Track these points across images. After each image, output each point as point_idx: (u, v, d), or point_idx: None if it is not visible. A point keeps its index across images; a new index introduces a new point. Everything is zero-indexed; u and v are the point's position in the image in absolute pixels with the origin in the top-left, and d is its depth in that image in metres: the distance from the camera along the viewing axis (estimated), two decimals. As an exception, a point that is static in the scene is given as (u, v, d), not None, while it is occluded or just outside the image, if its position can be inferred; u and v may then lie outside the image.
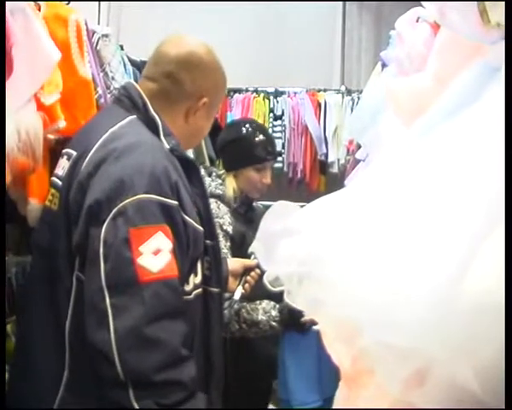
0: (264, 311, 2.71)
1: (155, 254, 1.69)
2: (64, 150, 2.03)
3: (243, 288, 2.50)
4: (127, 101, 1.98)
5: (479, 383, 0.82)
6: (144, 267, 1.67)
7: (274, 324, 2.69)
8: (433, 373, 0.85)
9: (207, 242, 1.98)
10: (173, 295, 1.71)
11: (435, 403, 0.86)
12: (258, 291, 2.55)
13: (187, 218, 1.84)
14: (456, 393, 0.84)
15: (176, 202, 1.79)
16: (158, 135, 1.92)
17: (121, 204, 1.70)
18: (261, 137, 2.97)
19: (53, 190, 1.96)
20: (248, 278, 2.50)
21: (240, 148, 2.95)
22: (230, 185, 2.92)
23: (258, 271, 2.48)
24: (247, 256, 2.49)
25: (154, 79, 2.00)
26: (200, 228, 1.91)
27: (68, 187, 1.85)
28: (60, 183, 1.92)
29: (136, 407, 1.63)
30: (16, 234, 3.14)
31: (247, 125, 3.04)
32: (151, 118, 1.94)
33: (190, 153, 3.40)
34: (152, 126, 1.93)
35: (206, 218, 1.99)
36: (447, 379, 0.84)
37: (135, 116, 1.94)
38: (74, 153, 1.91)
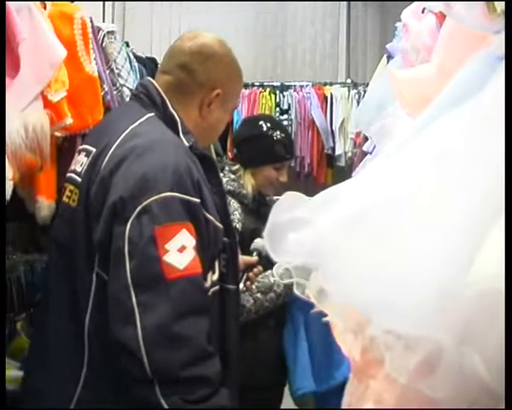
0: (274, 274, 2.73)
1: (180, 251, 1.70)
2: (81, 147, 2.03)
3: (245, 285, 2.49)
4: (145, 98, 1.99)
5: (486, 370, 0.82)
6: (170, 265, 1.67)
7: (286, 281, 2.70)
8: (441, 361, 0.85)
9: (224, 239, 1.99)
10: (198, 292, 1.73)
11: (444, 391, 0.87)
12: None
13: (208, 215, 1.85)
14: (464, 380, 0.85)
15: (198, 200, 1.80)
16: (177, 133, 1.93)
17: (146, 202, 1.71)
18: (281, 134, 2.97)
19: (71, 187, 1.95)
20: (250, 274, 2.49)
21: (260, 145, 2.93)
22: (249, 182, 2.91)
23: (260, 267, 2.48)
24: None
25: (169, 71, 2.02)
26: (220, 225, 1.92)
27: (89, 184, 1.84)
28: (79, 179, 1.91)
29: (163, 403, 1.63)
30: (24, 232, 3.15)
31: (267, 123, 3.01)
32: (170, 115, 1.95)
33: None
34: (170, 124, 1.94)
35: (224, 215, 1.99)
36: (455, 367, 0.84)
37: (153, 114, 1.95)
38: (93, 150, 1.91)
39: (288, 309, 2.88)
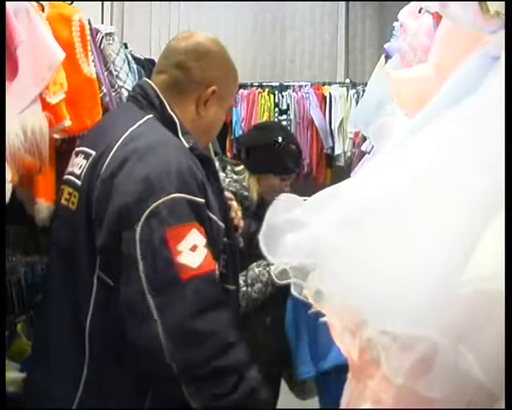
0: (258, 264, 2.79)
1: (193, 250, 1.70)
2: (79, 149, 2.03)
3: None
4: (143, 100, 1.99)
5: (481, 369, 0.82)
6: (184, 265, 1.68)
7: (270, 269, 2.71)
8: (436, 361, 0.86)
9: (224, 239, 1.99)
10: (213, 289, 1.74)
11: (440, 390, 0.87)
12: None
13: (211, 215, 1.86)
14: (460, 380, 0.85)
15: (203, 200, 1.80)
16: (176, 134, 1.93)
17: (153, 205, 1.70)
18: (293, 147, 2.99)
19: (70, 190, 1.94)
20: (232, 214, 2.35)
21: (271, 156, 2.95)
22: (255, 188, 2.93)
23: (234, 204, 2.35)
24: (255, 255, 2.47)
25: (164, 71, 2.03)
26: (222, 225, 1.92)
27: (89, 187, 1.84)
28: (78, 182, 1.91)
29: (192, 401, 1.66)
30: (24, 234, 3.15)
31: (281, 133, 3.03)
32: (168, 117, 1.95)
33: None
34: (169, 125, 1.94)
35: (223, 216, 1.99)
36: (451, 366, 0.85)
37: (152, 115, 1.95)
38: (93, 152, 1.91)
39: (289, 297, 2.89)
